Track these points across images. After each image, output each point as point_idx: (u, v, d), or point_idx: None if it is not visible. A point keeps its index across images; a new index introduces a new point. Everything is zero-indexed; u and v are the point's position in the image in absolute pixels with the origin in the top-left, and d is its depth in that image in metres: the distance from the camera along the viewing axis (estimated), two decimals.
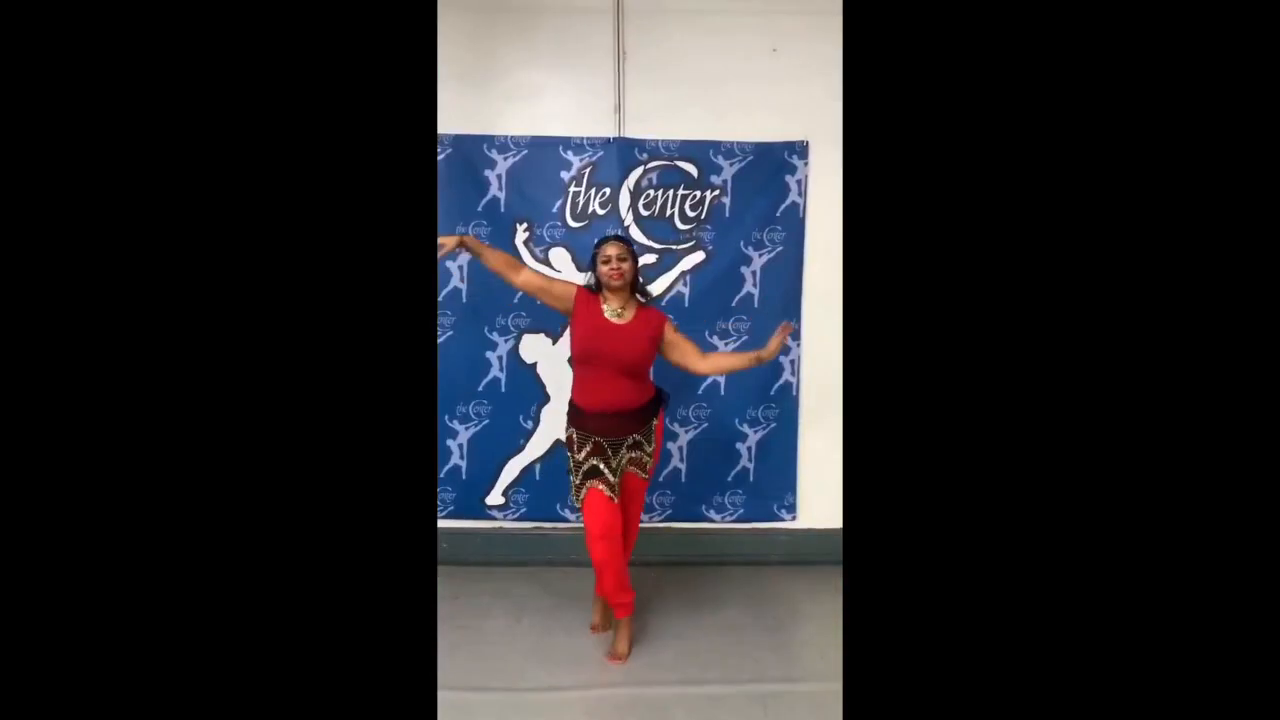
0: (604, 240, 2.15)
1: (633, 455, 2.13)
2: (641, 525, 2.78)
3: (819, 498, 2.79)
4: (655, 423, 2.18)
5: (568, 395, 2.72)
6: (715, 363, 2.32)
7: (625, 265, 2.08)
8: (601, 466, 2.08)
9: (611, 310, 2.10)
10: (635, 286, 2.15)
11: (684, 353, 2.13)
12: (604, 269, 2.08)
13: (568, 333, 2.66)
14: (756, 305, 2.70)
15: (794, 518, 2.80)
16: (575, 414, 2.15)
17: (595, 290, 2.15)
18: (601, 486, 2.07)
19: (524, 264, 2.33)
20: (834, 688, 1.90)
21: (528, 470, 2.74)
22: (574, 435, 2.14)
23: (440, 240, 2.14)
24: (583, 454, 2.10)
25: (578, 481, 2.11)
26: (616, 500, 2.10)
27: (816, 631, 2.31)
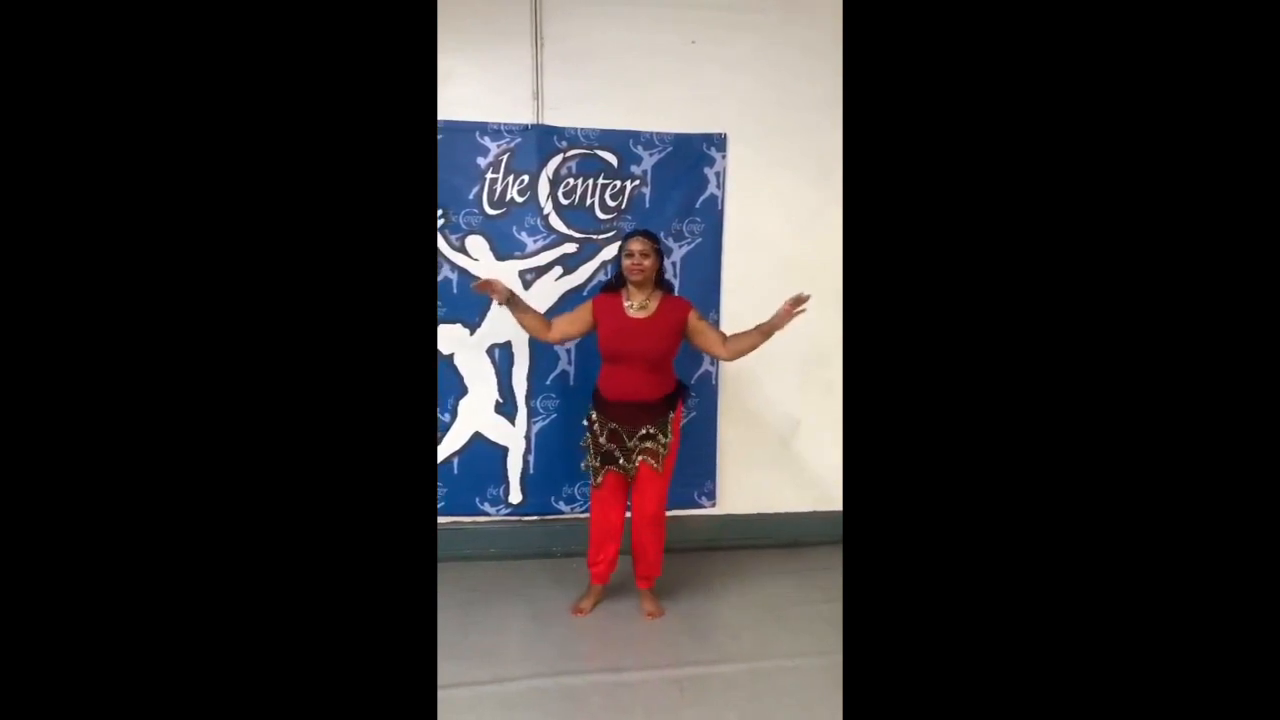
0: (631, 235, 2.20)
1: (647, 446, 2.18)
2: (562, 516, 2.77)
3: (736, 484, 2.84)
4: (673, 415, 2.23)
5: (485, 387, 2.69)
6: (735, 347, 2.15)
7: (647, 262, 2.14)
8: (618, 453, 2.19)
9: (635, 306, 2.18)
10: (659, 280, 2.21)
11: (708, 340, 2.20)
12: (626, 263, 2.15)
13: (486, 319, 2.64)
14: (677, 295, 2.72)
15: (714, 504, 2.84)
16: (599, 401, 2.23)
17: (617, 287, 2.21)
18: (620, 472, 2.21)
19: (550, 321, 2.25)
20: (748, 667, 1.99)
21: (445, 464, 2.68)
22: (596, 420, 2.22)
23: (491, 282, 2.12)
24: (603, 438, 2.20)
25: (596, 464, 2.23)
26: (630, 484, 2.24)
27: (733, 614, 2.35)
